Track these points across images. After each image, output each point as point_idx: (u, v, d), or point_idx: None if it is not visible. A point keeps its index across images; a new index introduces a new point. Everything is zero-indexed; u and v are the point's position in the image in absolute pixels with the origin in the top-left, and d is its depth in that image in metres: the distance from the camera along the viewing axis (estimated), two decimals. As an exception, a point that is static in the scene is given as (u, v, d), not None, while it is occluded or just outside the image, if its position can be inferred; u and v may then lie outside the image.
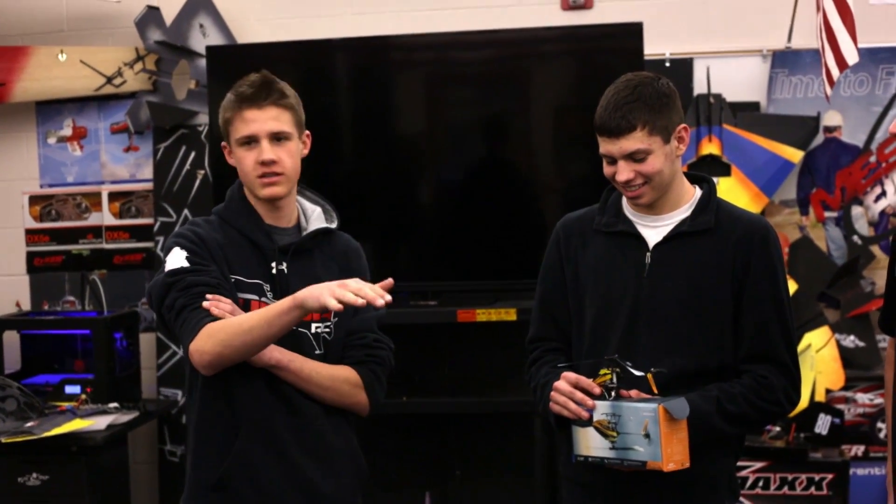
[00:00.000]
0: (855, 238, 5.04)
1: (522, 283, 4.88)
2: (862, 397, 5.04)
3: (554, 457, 4.97)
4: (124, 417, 4.85)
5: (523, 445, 4.89)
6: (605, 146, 2.89)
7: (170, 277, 2.83)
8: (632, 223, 2.99)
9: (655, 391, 2.81)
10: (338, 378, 2.94)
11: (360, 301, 2.58)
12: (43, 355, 5.31)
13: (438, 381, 5.13)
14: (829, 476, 4.94)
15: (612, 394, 2.82)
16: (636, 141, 2.84)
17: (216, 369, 2.77)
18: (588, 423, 2.82)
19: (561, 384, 2.87)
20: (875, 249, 5.03)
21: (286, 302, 2.69)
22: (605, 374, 2.83)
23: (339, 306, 2.59)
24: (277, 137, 2.90)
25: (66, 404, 4.89)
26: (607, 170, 2.92)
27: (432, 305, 4.92)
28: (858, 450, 5.04)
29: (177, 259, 2.85)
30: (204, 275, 2.82)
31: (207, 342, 2.73)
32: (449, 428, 5.20)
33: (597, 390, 2.83)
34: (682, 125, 2.93)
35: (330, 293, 2.61)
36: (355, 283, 2.63)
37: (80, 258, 5.59)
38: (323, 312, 2.92)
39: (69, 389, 5.00)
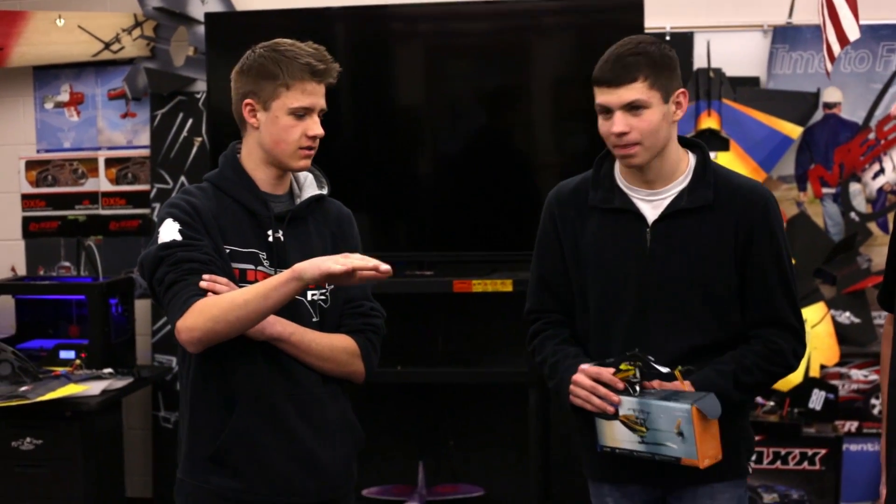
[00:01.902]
0: (852, 215, 5.03)
1: (519, 254, 4.86)
2: (856, 373, 5.04)
3: (547, 428, 4.99)
4: (118, 383, 4.85)
5: (517, 416, 4.90)
6: (603, 96, 2.86)
7: (161, 251, 2.80)
8: (628, 198, 2.96)
9: (685, 388, 2.79)
10: (337, 348, 2.94)
11: (368, 265, 2.61)
12: (38, 320, 5.31)
13: (433, 351, 5.13)
14: (823, 451, 4.96)
15: (637, 388, 2.79)
16: (635, 91, 2.82)
17: (205, 346, 2.75)
18: (613, 416, 2.80)
19: (581, 378, 2.85)
20: (872, 226, 5.03)
21: (284, 274, 2.69)
22: (628, 370, 2.79)
23: (345, 269, 2.60)
24: (320, 113, 2.93)
25: (60, 369, 4.89)
26: (603, 125, 2.89)
27: (428, 275, 4.91)
28: (852, 426, 5.05)
29: (169, 232, 2.82)
30: (195, 250, 2.79)
31: (198, 318, 2.71)
32: (443, 398, 5.21)
33: (620, 385, 2.80)
34: (682, 90, 2.91)
35: (334, 261, 2.63)
36: (358, 257, 2.66)
37: (76, 224, 5.58)
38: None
39: (64, 354, 5.00)
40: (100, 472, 4.89)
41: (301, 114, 2.88)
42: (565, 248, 3.04)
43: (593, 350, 2.99)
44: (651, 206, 2.95)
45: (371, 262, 2.63)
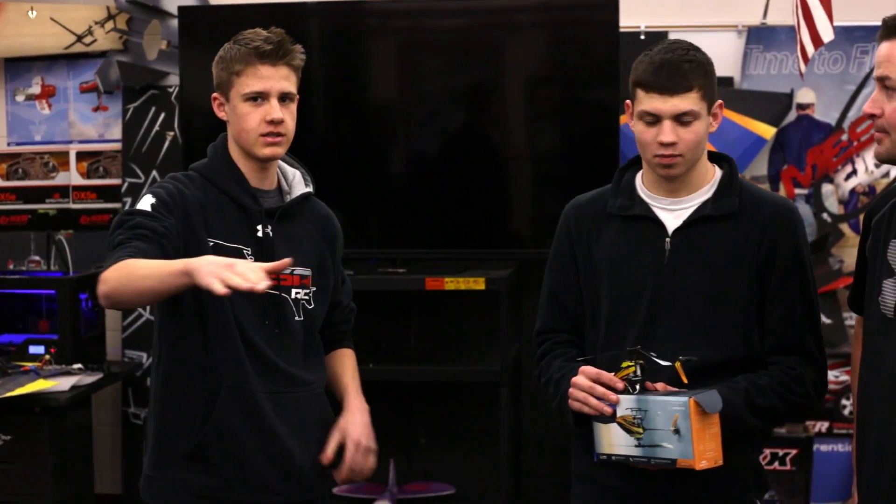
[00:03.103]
0: (825, 216, 5.05)
1: (492, 252, 4.91)
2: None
3: (519, 426, 4.99)
4: (88, 379, 4.82)
5: (488, 415, 4.88)
6: (653, 103, 2.71)
7: (125, 216, 2.75)
8: (648, 206, 2.83)
9: (685, 381, 2.64)
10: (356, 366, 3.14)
11: (245, 286, 2.38)
12: (7, 315, 5.26)
13: (405, 348, 5.13)
14: (793, 451, 4.97)
15: (637, 387, 2.65)
16: (690, 101, 2.70)
17: (112, 302, 2.62)
18: (611, 419, 2.66)
19: (579, 379, 2.70)
20: (844, 227, 5.04)
21: (179, 264, 2.52)
22: (629, 367, 2.66)
23: (225, 291, 2.38)
24: (284, 98, 2.85)
25: (29, 364, 4.86)
26: (646, 133, 2.74)
27: (401, 273, 4.89)
28: (822, 426, 5.06)
29: (142, 204, 2.77)
30: (156, 222, 2.72)
31: (113, 274, 2.58)
32: (415, 396, 5.20)
33: (619, 384, 2.66)
34: (719, 101, 2.81)
35: (216, 276, 2.40)
36: (243, 266, 2.45)
37: (47, 217, 5.54)
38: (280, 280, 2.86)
39: (33, 349, 4.96)
40: (69, 468, 4.86)
41: (256, 98, 2.83)
42: (579, 259, 2.90)
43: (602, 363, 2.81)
44: (673, 216, 2.82)
45: (250, 276, 2.40)
